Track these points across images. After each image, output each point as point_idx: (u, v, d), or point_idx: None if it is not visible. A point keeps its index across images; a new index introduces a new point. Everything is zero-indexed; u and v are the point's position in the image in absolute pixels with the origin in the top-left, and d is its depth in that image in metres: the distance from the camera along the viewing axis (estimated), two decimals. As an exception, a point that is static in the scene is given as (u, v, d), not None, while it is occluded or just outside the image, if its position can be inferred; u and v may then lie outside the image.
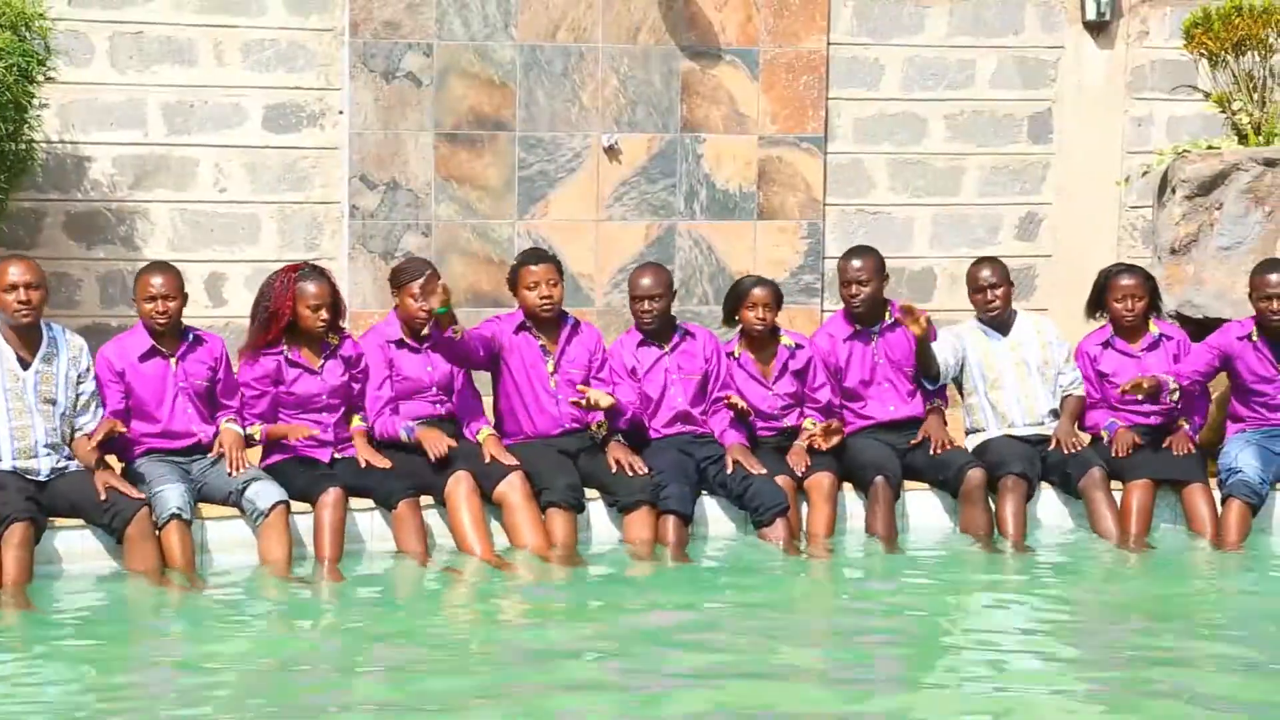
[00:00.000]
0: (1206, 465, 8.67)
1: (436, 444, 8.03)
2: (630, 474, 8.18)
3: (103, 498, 7.41)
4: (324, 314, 7.96)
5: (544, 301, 8.36)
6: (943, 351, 8.73)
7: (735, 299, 8.64)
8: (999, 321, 8.86)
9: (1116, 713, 6.24)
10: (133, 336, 7.90)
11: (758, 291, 8.56)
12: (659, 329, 8.56)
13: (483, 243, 10.18)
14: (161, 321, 7.76)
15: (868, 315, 8.74)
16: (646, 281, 8.53)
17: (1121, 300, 8.78)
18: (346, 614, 7.36)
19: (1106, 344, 8.84)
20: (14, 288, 7.43)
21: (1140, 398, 8.53)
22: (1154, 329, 8.83)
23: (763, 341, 8.63)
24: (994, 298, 8.79)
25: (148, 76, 9.80)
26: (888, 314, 8.79)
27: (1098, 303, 8.92)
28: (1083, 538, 8.53)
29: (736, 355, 8.66)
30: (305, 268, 8.09)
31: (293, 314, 7.96)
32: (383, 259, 9.98)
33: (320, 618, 7.36)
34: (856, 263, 8.71)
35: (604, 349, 8.56)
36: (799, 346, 8.68)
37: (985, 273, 8.84)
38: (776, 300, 8.62)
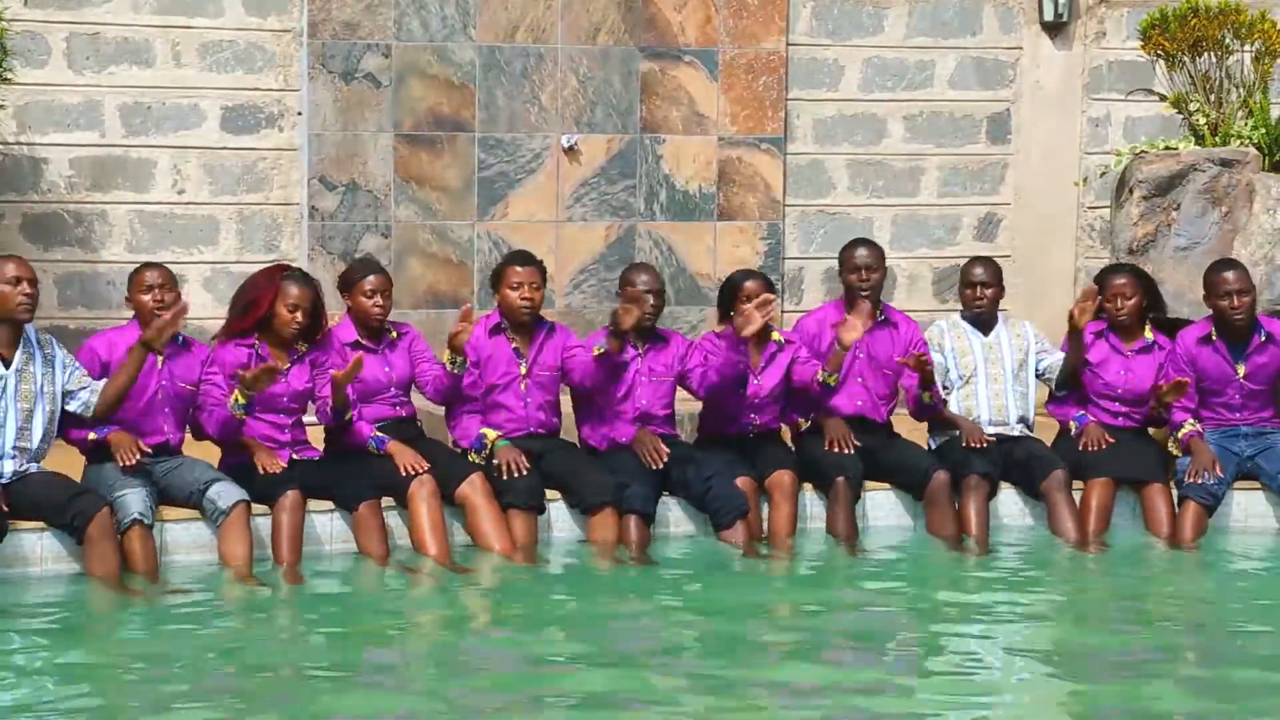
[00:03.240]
0: (1167, 465, 8.71)
1: (412, 462, 8.02)
2: (513, 474, 8.10)
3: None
4: (300, 317, 7.92)
5: (524, 303, 8.36)
6: (938, 366, 8.76)
7: (729, 294, 8.63)
8: (982, 320, 8.89)
9: (1074, 712, 6.27)
10: (124, 332, 7.86)
11: (749, 285, 8.56)
12: (648, 327, 8.54)
13: (442, 244, 10.17)
14: (159, 314, 7.72)
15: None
16: (646, 278, 8.53)
17: (1111, 299, 8.81)
18: (306, 616, 7.34)
19: (1101, 334, 8.87)
20: (19, 280, 7.43)
21: (1171, 400, 8.54)
22: (1149, 334, 8.85)
23: (753, 335, 8.60)
24: (982, 295, 8.81)
25: (105, 77, 9.75)
26: (879, 312, 8.82)
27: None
28: (1043, 537, 8.56)
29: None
30: (295, 269, 8.11)
31: (270, 309, 7.94)
32: (342, 260, 9.95)
33: (280, 620, 7.34)
34: (863, 251, 8.73)
35: (578, 342, 8.55)
36: (788, 343, 8.68)
37: (978, 270, 8.88)
38: (770, 291, 8.61)
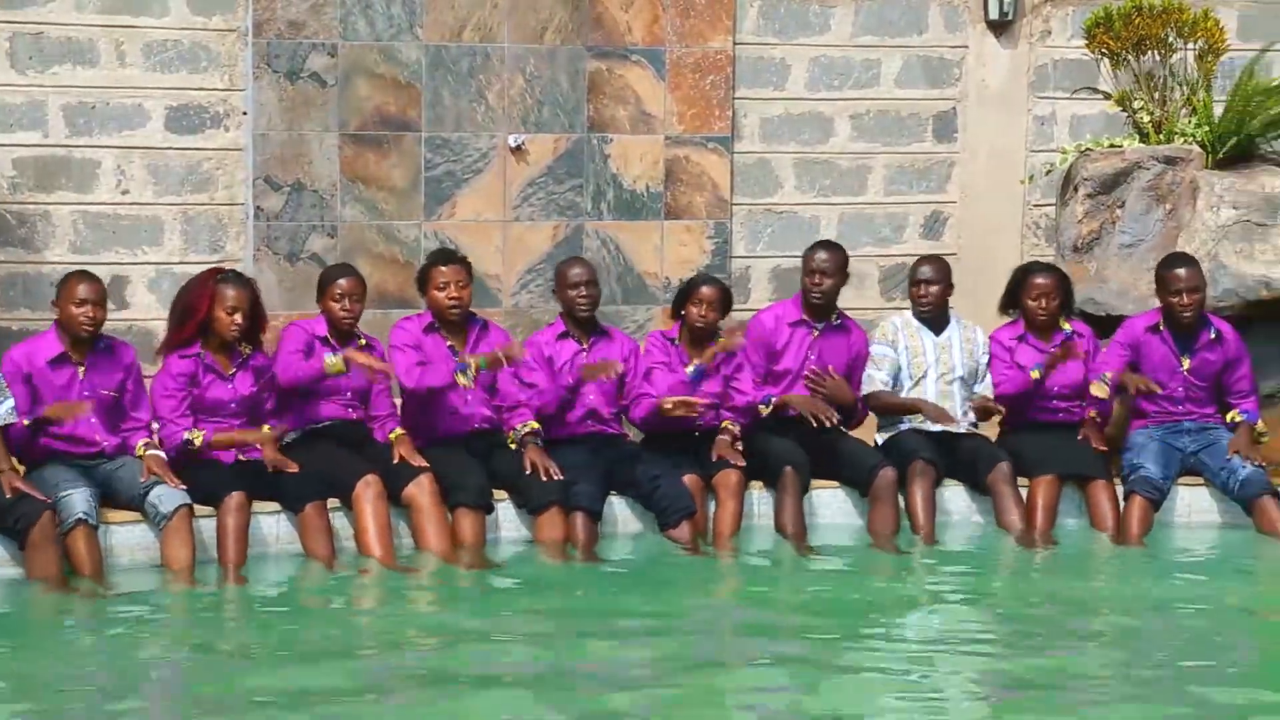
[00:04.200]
0: (1110, 461, 8.75)
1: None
2: (545, 479, 8.15)
3: (8, 495, 7.32)
4: (238, 319, 7.88)
5: (452, 302, 8.36)
6: (890, 361, 8.78)
7: (685, 293, 8.66)
8: (932, 320, 8.91)
9: (1019, 708, 6.29)
10: (42, 341, 7.79)
11: (705, 290, 8.60)
12: (585, 322, 8.54)
13: (389, 244, 10.13)
14: (89, 329, 7.67)
15: (822, 309, 8.77)
16: (579, 270, 8.58)
17: (1036, 299, 8.84)
18: (251, 618, 7.31)
19: (1020, 338, 8.90)
20: None
21: (1062, 362, 8.59)
22: (1066, 326, 8.90)
23: (701, 338, 8.63)
24: (926, 293, 8.83)
25: (48, 77, 9.69)
26: (835, 316, 8.83)
27: (1012, 300, 8.98)
28: (989, 533, 8.59)
29: (676, 342, 8.65)
30: (229, 272, 8.06)
31: (208, 315, 7.89)
32: (288, 261, 9.92)
33: (225, 622, 7.30)
34: (822, 254, 8.78)
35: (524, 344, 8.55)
36: (731, 354, 8.70)
37: (924, 268, 8.91)
38: (724, 302, 8.64)
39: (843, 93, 10.74)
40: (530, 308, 10.22)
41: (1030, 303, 8.86)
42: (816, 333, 8.79)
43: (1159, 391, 8.63)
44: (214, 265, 8.31)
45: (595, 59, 10.37)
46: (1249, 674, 6.68)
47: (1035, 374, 8.72)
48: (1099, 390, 8.66)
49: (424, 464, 8.08)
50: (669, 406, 8.39)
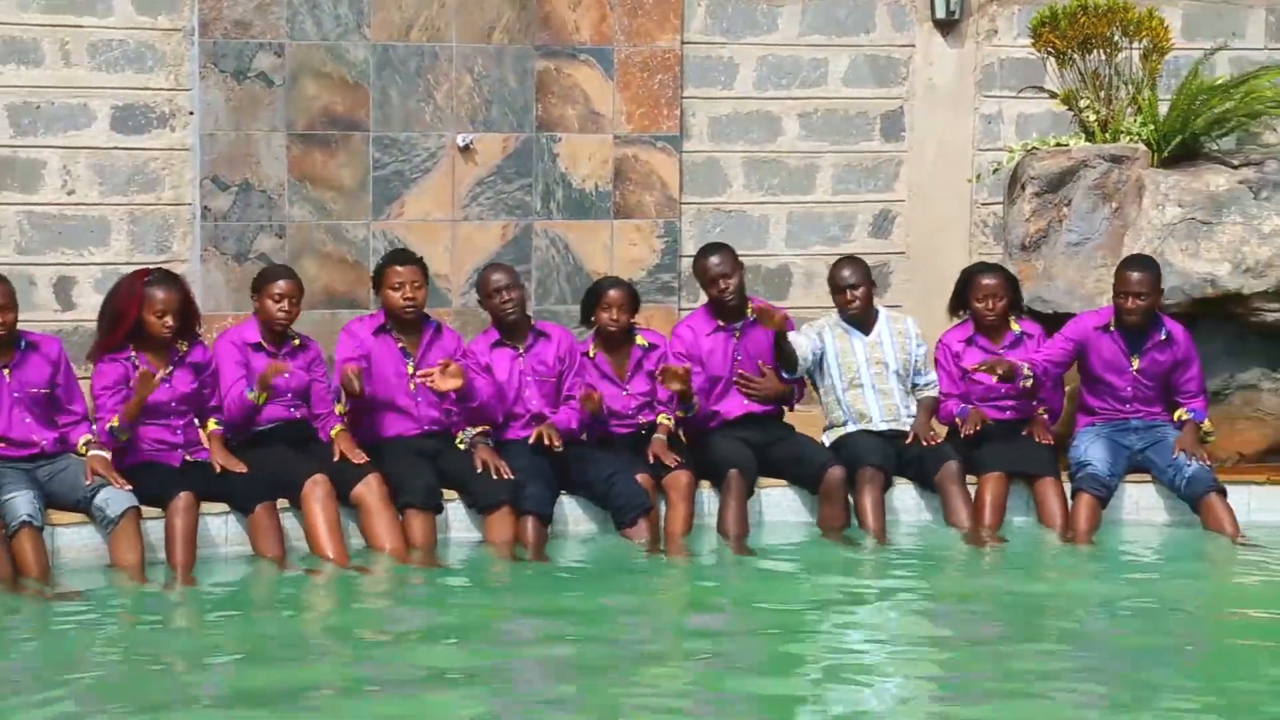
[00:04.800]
0: (1058, 458, 8.79)
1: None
2: (495, 477, 8.15)
3: None
4: (169, 320, 7.82)
5: (407, 303, 8.34)
6: (801, 346, 8.78)
7: (591, 300, 8.67)
8: (860, 320, 8.93)
9: (973, 704, 6.32)
10: None
11: (612, 293, 8.60)
12: (517, 325, 8.53)
13: (337, 244, 10.11)
14: (0, 334, 7.62)
15: (735, 310, 8.78)
16: (499, 276, 8.55)
17: (983, 300, 8.87)
18: (201, 619, 7.28)
19: (969, 340, 8.93)
20: None
21: (995, 380, 8.62)
22: (1015, 327, 8.93)
23: (617, 341, 8.65)
24: (854, 298, 8.85)
25: (-8, 77, 9.63)
26: (749, 311, 8.84)
27: (960, 301, 9.01)
28: (938, 531, 8.62)
29: (592, 355, 8.67)
30: (156, 273, 7.98)
31: (138, 319, 7.83)
32: (235, 261, 9.88)
33: (174, 623, 7.27)
34: (715, 259, 8.77)
35: (464, 352, 8.53)
36: (653, 346, 8.71)
37: (845, 273, 8.90)
38: (631, 302, 8.64)
39: (791, 92, 10.76)
40: (480, 308, 10.20)
41: (977, 304, 8.89)
42: (737, 334, 8.80)
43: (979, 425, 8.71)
44: (141, 267, 8.21)
45: (543, 58, 10.36)
46: (1195, 671, 6.71)
47: (958, 421, 8.79)
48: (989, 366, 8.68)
49: (364, 458, 8.06)
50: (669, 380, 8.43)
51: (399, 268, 8.38)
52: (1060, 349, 8.76)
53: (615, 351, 8.66)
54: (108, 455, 7.71)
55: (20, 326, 7.78)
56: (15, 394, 7.66)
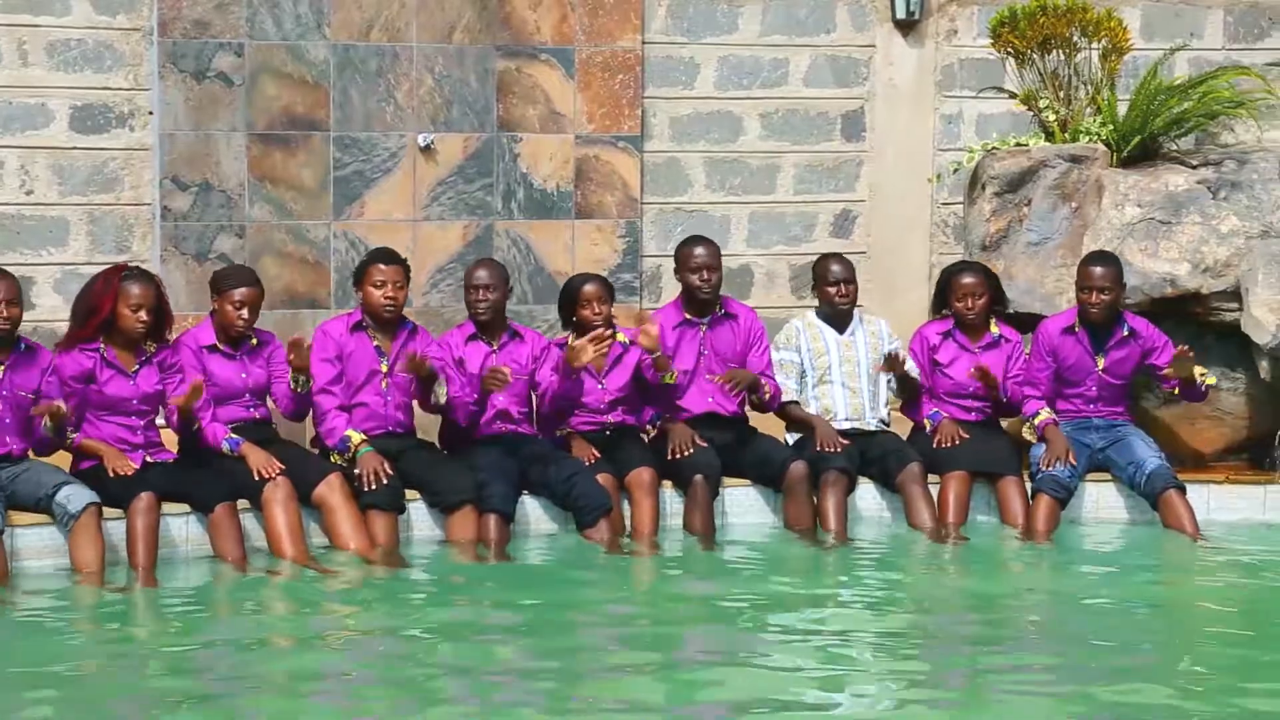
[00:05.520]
0: (1021, 458, 8.82)
1: (264, 466, 7.93)
2: (370, 486, 8.06)
3: None
4: (143, 315, 7.81)
5: (388, 302, 8.33)
6: (794, 378, 8.83)
7: (568, 300, 8.66)
8: (839, 318, 8.94)
9: (935, 701, 6.33)
10: None
11: (588, 289, 8.60)
12: (491, 322, 8.53)
13: (298, 244, 10.07)
14: (5, 328, 7.59)
15: (705, 304, 8.79)
16: (482, 273, 8.54)
17: (962, 299, 8.89)
18: (161, 620, 7.25)
19: (948, 334, 8.95)
20: None
21: (978, 381, 8.66)
22: (995, 329, 8.96)
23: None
24: (846, 292, 8.87)
25: (-50, 77, 9.58)
26: (719, 306, 8.85)
27: (942, 301, 9.02)
28: (900, 530, 8.64)
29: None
30: (133, 268, 7.98)
31: (112, 313, 7.81)
32: (195, 261, 9.84)
33: (134, 624, 7.24)
34: (702, 250, 8.79)
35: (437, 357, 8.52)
36: (631, 343, 8.70)
37: (836, 267, 8.93)
38: (608, 292, 8.64)
39: (751, 92, 10.78)
40: (442, 307, 10.19)
41: (957, 303, 8.91)
42: (704, 328, 8.81)
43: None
44: (118, 263, 8.20)
45: (504, 58, 10.35)
46: (1153, 668, 6.74)
47: (927, 425, 8.81)
48: (1029, 435, 8.74)
49: (274, 471, 7.98)
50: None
51: (383, 266, 8.37)
52: (1043, 365, 8.77)
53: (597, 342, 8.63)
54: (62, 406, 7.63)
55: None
56: (4, 392, 7.63)
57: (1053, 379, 8.80)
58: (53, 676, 6.46)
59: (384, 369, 8.35)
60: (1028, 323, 9.11)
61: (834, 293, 8.89)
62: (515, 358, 8.54)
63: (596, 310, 8.55)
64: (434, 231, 10.29)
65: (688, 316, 8.83)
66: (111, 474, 7.72)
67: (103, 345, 7.85)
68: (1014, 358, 8.92)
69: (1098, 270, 8.67)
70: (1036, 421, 8.70)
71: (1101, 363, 8.76)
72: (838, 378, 8.89)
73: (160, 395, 7.97)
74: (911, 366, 8.86)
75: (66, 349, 7.87)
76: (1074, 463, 8.58)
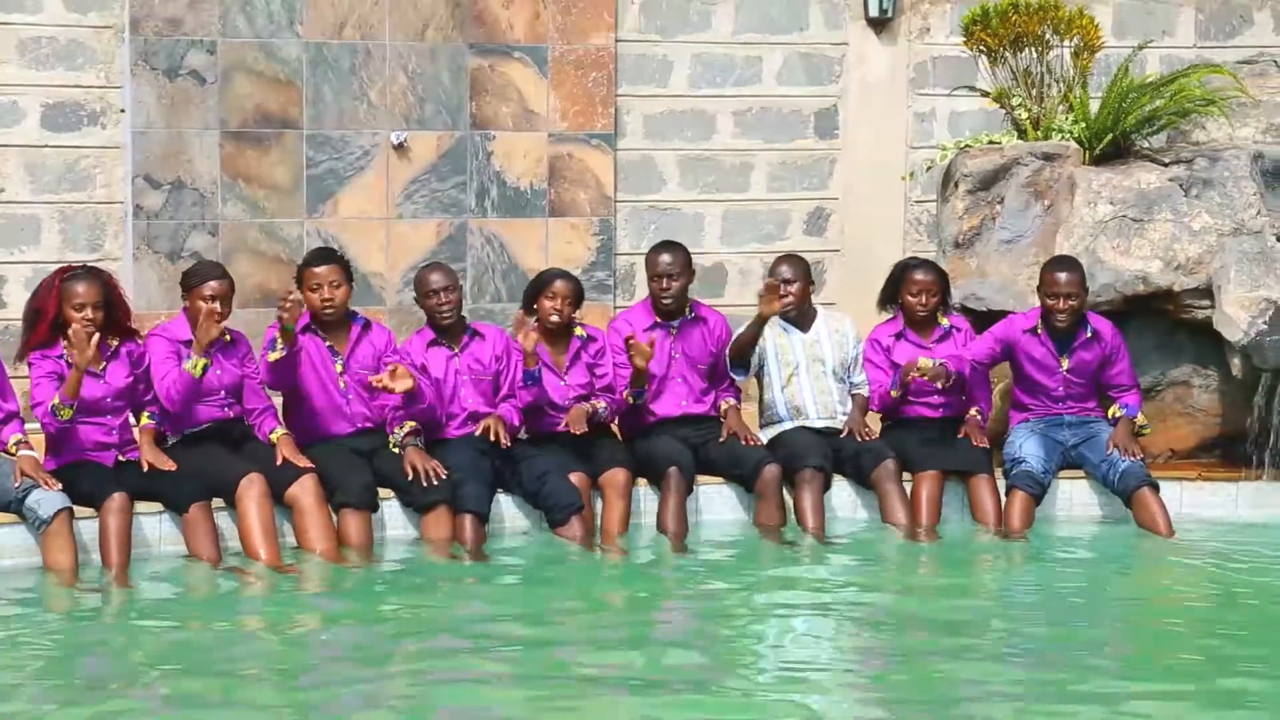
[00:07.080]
0: (992, 456, 8.83)
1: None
2: (426, 483, 8.11)
3: None
4: (90, 314, 7.73)
5: (325, 304, 8.30)
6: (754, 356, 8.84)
7: (536, 287, 8.66)
8: (798, 317, 8.95)
9: (912, 699, 6.35)
10: None
11: (558, 284, 8.59)
12: (452, 326, 8.52)
13: (271, 242, 10.06)
14: None
15: (673, 310, 8.80)
16: (436, 277, 8.52)
17: (916, 295, 8.90)
18: (135, 620, 7.23)
19: (899, 335, 8.97)
20: None
21: (927, 377, 8.63)
22: (944, 321, 8.98)
23: (557, 333, 8.64)
24: (787, 293, 8.86)
25: (-80, 75, 9.54)
26: (689, 310, 8.86)
27: (891, 295, 9.04)
28: (875, 528, 8.65)
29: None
30: (76, 269, 7.92)
31: (58, 314, 7.77)
32: (168, 259, 9.82)
33: (108, 625, 7.22)
34: (667, 257, 8.79)
35: (395, 349, 8.50)
36: (591, 338, 8.71)
37: (782, 269, 8.93)
38: (576, 295, 8.63)
39: (725, 90, 10.79)
40: (414, 306, 10.17)
41: (910, 299, 8.92)
42: (674, 332, 8.82)
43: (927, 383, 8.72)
44: (63, 265, 8.15)
45: (477, 56, 10.34)
46: (1126, 664, 6.76)
47: (895, 393, 8.80)
48: (924, 365, 8.66)
49: (308, 464, 8.02)
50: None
51: (315, 269, 8.32)
52: (987, 348, 8.80)
53: (555, 343, 8.65)
54: (38, 456, 7.65)
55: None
56: None
57: (991, 362, 8.80)
58: (25, 675, 6.45)
59: (339, 369, 8.33)
60: (998, 320, 9.11)
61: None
62: (478, 357, 8.52)
63: (558, 306, 8.54)
64: (407, 230, 10.29)
65: (657, 319, 8.83)
66: (145, 468, 7.77)
67: (66, 346, 7.75)
68: (968, 344, 8.91)
69: (1063, 277, 8.67)
70: (941, 363, 8.67)
71: (1066, 364, 8.78)
72: (804, 377, 8.89)
73: (131, 389, 7.93)
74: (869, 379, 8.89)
75: (28, 357, 7.79)
76: (947, 374, 8.61)
